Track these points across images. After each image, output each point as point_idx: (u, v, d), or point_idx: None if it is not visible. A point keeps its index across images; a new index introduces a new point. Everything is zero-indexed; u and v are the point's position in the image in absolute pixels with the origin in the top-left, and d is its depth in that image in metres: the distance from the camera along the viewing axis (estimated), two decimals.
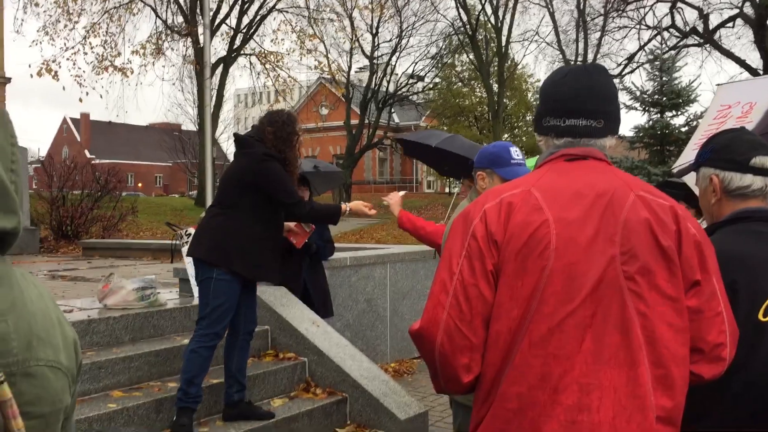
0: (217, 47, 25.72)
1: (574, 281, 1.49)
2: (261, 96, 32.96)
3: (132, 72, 22.46)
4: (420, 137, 5.50)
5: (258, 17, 26.23)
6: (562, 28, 33.44)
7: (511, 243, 1.52)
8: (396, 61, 36.54)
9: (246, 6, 26.06)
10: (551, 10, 32.61)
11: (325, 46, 28.56)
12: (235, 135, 4.19)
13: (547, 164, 1.66)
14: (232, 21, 26.21)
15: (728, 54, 27.12)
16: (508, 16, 32.78)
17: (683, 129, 14.39)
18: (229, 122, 46.01)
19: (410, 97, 38.91)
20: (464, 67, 40.30)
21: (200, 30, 21.26)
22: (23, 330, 0.83)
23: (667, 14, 28.55)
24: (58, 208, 12.89)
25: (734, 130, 2.07)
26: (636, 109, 14.86)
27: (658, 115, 14.64)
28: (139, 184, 66.57)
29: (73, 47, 21.76)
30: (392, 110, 40.68)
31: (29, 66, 29.42)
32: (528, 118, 39.52)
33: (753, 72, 24.98)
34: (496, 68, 34.47)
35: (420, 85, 38.94)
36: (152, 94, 76.03)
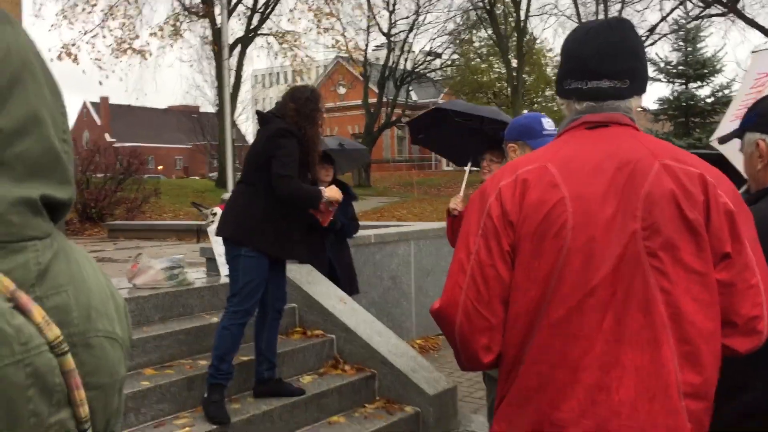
0: (235, 28, 25.69)
1: (592, 260, 1.44)
2: (279, 76, 32.95)
3: (150, 54, 22.51)
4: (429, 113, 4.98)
5: None
6: (582, 0, 32.94)
7: (525, 223, 1.47)
8: (413, 38, 36.29)
9: None
10: None
11: (341, 24, 28.37)
12: (258, 112, 4.21)
13: (567, 133, 1.60)
14: (249, 1, 26.13)
15: (752, 23, 26.51)
16: None
17: (708, 100, 14.16)
18: (247, 103, 46.11)
19: (428, 74, 38.61)
20: (482, 43, 39.81)
21: (217, 10, 21.22)
22: (82, 302, 0.83)
23: None
24: (82, 191, 13.03)
25: None
26: (660, 80, 14.63)
27: (683, 86, 14.41)
28: (160, 167, 67.03)
29: (91, 30, 21.83)
30: (410, 88, 40.36)
31: (49, 50, 29.48)
32: (548, 93, 39.06)
33: None
34: (514, 43, 34.00)
35: (438, 62, 38.59)
36: (171, 77, 76.26)
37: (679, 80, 14.43)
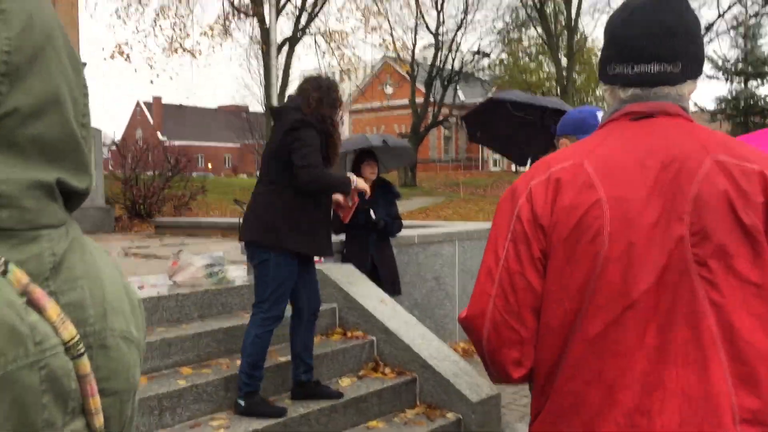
0: (283, 27, 25.91)
1: (633, 270, 1.29)
2: (326, 75, 33.10)
3: (200, 53, 22.81)
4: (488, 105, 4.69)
5: None
6: None
7: (557, 228, 1.33)
8: (461, 37, 36.03)
9: None
10: None
11: (389, 23, 28.41)
12: (271, 107, 4.12)
13: (608, 126, 1.43)
14: (298, 0, 26.26)
15: None
16: None
17: None
18: None
19: (476, 73, 38.26)
20: (531, 42, 39.28)
21: (266, 10, 21.33)
22: (98, 297, 0.77)
23: None
24: (131, 188, 13.21)
25: None
26: (717, 78, 14.13)
27: (742, 85, 13.87)
28: (209, 165, 68.15)
29: (143, 30, 22.21)
30: (457, 87, 40.06)
31: (102, 49, 30.23)
32: (598, 93, 38.30)
33: None
34: (564, 42, 33.43)
35: (486, 61, 38.23)
36: (221, 77, 77.46)
37: (738, 78, 13.90)
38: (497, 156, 50.05)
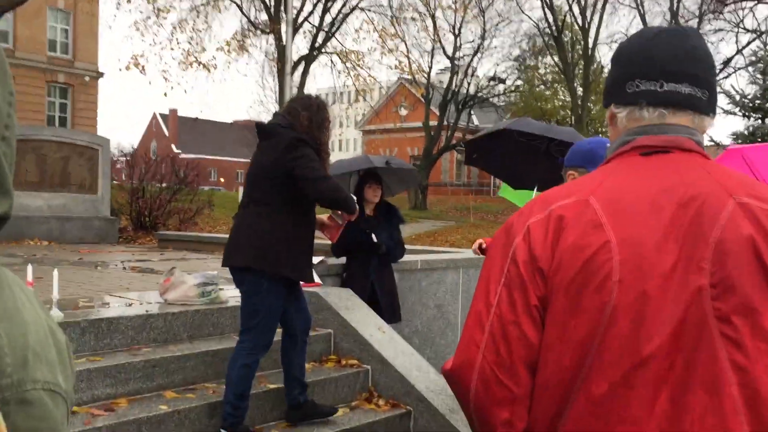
0: (300, 45, 26.02)
1: (645, 323, 1.13)
2: (342, 95, 33.18)
3: (215, 68, 22.89)
4: (487, 131, 4.54)
5: (340, 15, 26.32)
6: None
7: (560, 272, 1.18)
8: (477, 63, 36.09)
9: (329, 4, 26.18)
10: (642, 11, 31.39)
11: (406, 45, 28.39)
12: (259, 124, 3.87)
13: (615, 160, 1.28)
14: (315, 19, 26.40)
15: None
16: (596, 17, 31.80)
17: None
18: None
19: (491, 99, 38.25)
20: (548, 70, 39.32)
21: (283, 27, 21.40)
22: (18, 343, 0.65)
23: None
24: (138, 199, 13.13)
25: None
26: (735, 113, 13.95)
27: (760, 121, 13.68)
28: (221, 179, 68.35)
29: (160, 43, 22.34)
30: (471, 112, 40.04)
31: (119, 60, 30.48)
32: None
33: None
34: (581, 71, 33.42)
35: (501, 87, 38.23)
36: (236, 92, 78.03)
37: (756, 115, 13.71)
38: None
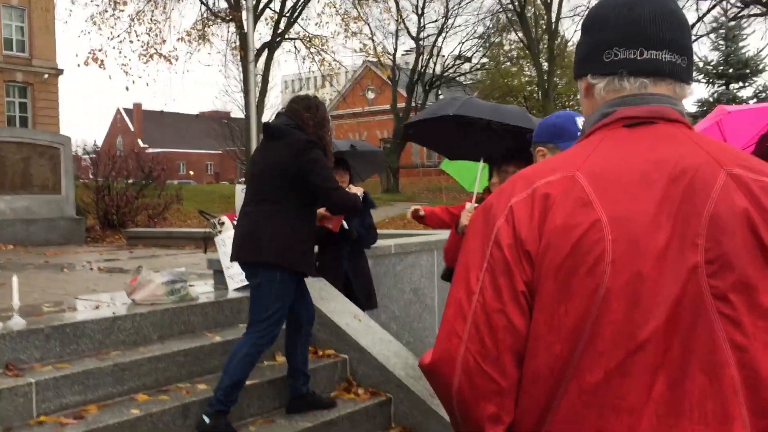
0: (262, 32, 25.64)
1: (640, 305, 1.07)
2: (308, 82, 32.84)
3: (177, 59, 22.47)
4: (431, 112, 4.36)
5: (301, 0, 25.94)
6: None
7: (548, 254, 1.10)
8: (442, 42, 35.99)
9: None
10: None
11: (370, 28, 28.20)
12: (267, 124, 3.95)
13: (598, 132, 1.20)
14: (276, 5, 25.99)
15: None
16: None
17: (751, 101, 13.51)
18: (276, 108, 46.10)
19: (457, 78, 38.19)
20: (512, 46, 39.31)
21: (244, 15, 21.05)
22: None
23: None
24: (104, 197, 12.86)
25: None
26: (699, 81, 14.05)
27: (724, 87, 13.80)
28: (191, 172, 67.56)
29: (118, 36, 21.85)
30: (439, 92, 39.95)
31: (76, 55, 29.78)
32: (579, 97, 38.28)
33: None
34: (545, 46, 33.45)
35: (467, 65, 38.17)
36: (201, 82, 77.03)
37: (720, 81, 13.83)
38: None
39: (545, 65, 33.04)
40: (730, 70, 13.45)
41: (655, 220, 1.08)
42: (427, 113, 4.40)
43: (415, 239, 6.92)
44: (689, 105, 14.81)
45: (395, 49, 34.84)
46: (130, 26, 22.09)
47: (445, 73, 36.68)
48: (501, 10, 34.16)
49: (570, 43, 37.84)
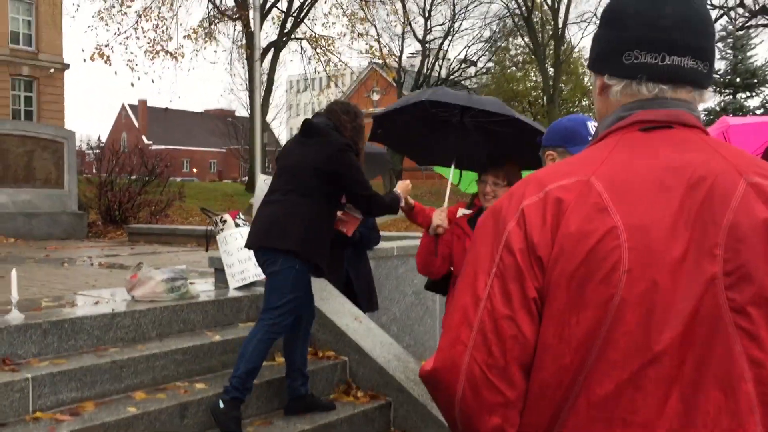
0: (268, 31, 25.60)
1: (654, 316, 1.03)
2: (313, 82, 32.83)
3: (183, 57, 22.47)
4: (401, 102, 3.91)
5: (309, 0, 25.94)
6: None
7: (561, 261, 1.06)
8: (448, 45, 35.94)
9: None
10: None
11: (376, 29, 28.18)
12: (307, 121, 3.98)
13: (612, 137, 1.15)
14: (283, 4, 26.01)
15: None
16: None
17: (758, 111, 13.47)
18: (281, 107, 46.14)
19: (462, 81, 38.15)
20: (518, 51, 39.29)
21: (251, 14, 21.04)
22: None
23: None
24: (107, 192, 12.84)
25: None
26: None
27: (731, 97, 13.74)
28: (194, 170, 67.64)
29: (125, 32, 21.86)
30: None
31: (82, 51, 29.78)
32: (584, 102, 38.26)
33: None
34: (551, 51, 33.42)
35: (472, 69, 38.14)
36: (206, 81, 77.11)
37: (727, 90, 13.77)
38: None
39: (551, 71, 33.02)
40: (738, 80, 13.40)
41: (673, 229, 1.04)
42: (396, 104, 3.99)
43: (418, 242, 6.87)
44: None
45: (401, 52, 34.85)
46: (136, 22, 22.11)
47: (451, 77, 36.62)
48: (508, 14, 34.19)
49: (576, 50, 37.86)
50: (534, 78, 38.69)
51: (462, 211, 4.49)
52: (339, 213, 4.35)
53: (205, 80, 76.62)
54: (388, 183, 33.38)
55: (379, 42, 28.12)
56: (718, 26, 22.25)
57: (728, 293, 1.02)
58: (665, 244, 1.03)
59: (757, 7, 26.52)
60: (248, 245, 3.91)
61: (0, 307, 4.00)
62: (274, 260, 3.75)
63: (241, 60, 28.16)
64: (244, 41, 23.64)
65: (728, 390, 1.02)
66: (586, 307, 1.04)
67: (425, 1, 32.78)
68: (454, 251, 3.36)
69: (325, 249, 3.85)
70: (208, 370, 4.16)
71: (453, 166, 3.59)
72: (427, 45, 34.91)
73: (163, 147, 46.98)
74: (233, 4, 24.08)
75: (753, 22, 26.68)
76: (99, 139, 23.07)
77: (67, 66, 30.10)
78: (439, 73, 35.77)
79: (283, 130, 56.22)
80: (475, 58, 37.48)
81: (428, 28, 34.64)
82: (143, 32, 22.12)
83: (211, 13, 24.18)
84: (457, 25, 34.56)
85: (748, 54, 13.64)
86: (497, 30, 36.22)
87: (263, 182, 5.97)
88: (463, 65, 37.37)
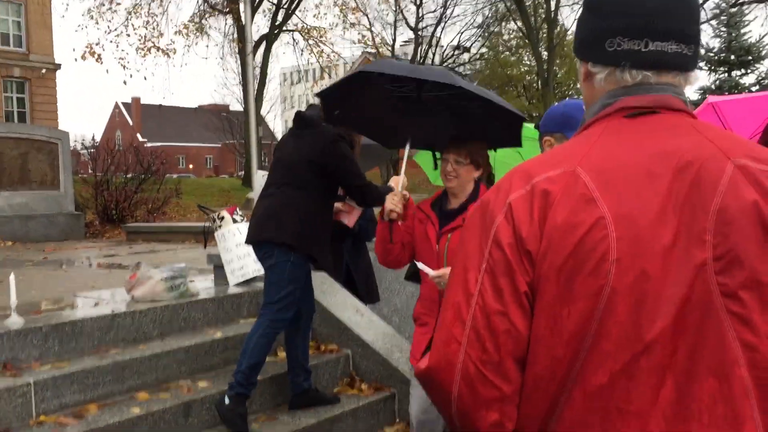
0: (260, 24, 25.49)
1: (646, 305, 1.03)
2: (306, 74, 32.68)
3: (175, 52, 22.38)
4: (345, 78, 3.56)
5: None
6: None
7: (549, 255, 1.06)
8: (441, 32, 35.79)
9: None
10: None
11: (368, 19, 28.07)
12: (299, 113, 3.96)
13: (598, 124, 1.15)
14: None
15: None
16: None
17: (753, 89, 13.42)
18: (275, 100, 46.00)
19: (457, 68, 38.02)
20: (512, 36, 39.13)
21: (241, 7, 20.93)
22: None
23: None
24: (103, 192, 12.80)
25: None
26: (701, 68, 13.93)
27: (726, 74, 13.69)
28: (190, 166, 67.52)
29: (115, 30, 21.75)
30: None
31: (73, 50, 29.63)
32: (579, 85, 38.14)
33: None
34: (545, 35, 33.28)
35: (466, 55, 38.00)
36: (199, 75, 76.92)
37: (722, 68, 13.73)
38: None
39: (545, 54, 32.89)
40: (732, 57, 13.36)
41: (661, 216, 1.03)
42: (338, 80, 3.60)
43: None
44: (691, 93, 14.71)
45: (394, 40, 34.71)
46: (127, 20, 22.01)
47: (444, 64, 36.47)
48: None
49: (569, 32, 37.69)
50: (528, 62, 38.57)
51: (397, 191, 4.44)
52: (340, 204, 4.34)
53: (197, 76, 76.33)
54: (386, 173, 33.35)
55: (371, 31, 28.09)
56: (711, 4, 22.19)
57: (719, 278, 1.02)
58: (654, 231, 1.03)
59: None
60: (247, 240, 3.90)
61: None
62: (270, 254, 3.75)
63: (233, 54, 28.03)
64: (235, 35, 23.54)
65: (722, 376, 1.02)
66: (577, 299, 1.04)
67: None
68: (416, 237, 3.15)
69: (322, 241, 3.83)
70: (211, 367, 4.15)
71: (408, 146, 3.26)
72: (419, 32, 34.76)
73: (158, 144, 46.88)
74: None
75: None
76: (93, 139, 22.98)
77: (58, 66, 29.96)
78: (433, 60, 35.63)
79: (278, 123, 56.15)
80: (468, 44, 37.33)
81: (420, 15, 34.49)
82: (134, 29, 22.03)
83: (202, 7, 24.07)
84: (449, 11, 34.39)
85: (742, 31, 13.59)
86: (490, 15, 36.08)
87: (261, 177, 5.95)
88: (457, 52, 37.21)
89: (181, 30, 23.12)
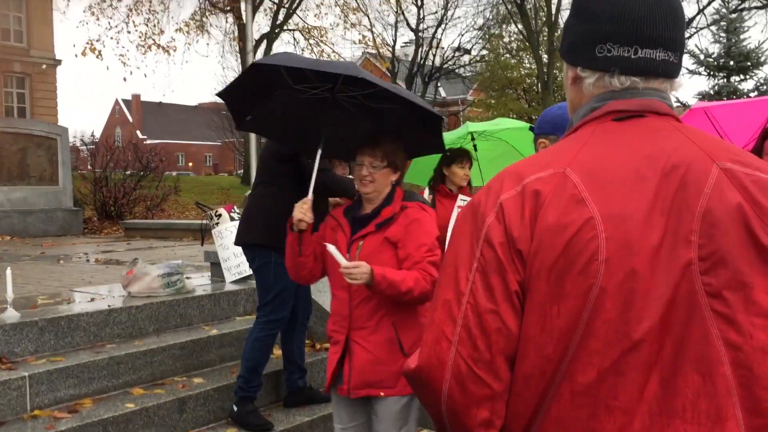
0: (260, 23, 25.50)
1: (633, 304, 1.05)
2: None
3: (175, 50, 22.36)
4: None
5: None
6: None
7: (540, 254, 1.08)
8: (442, 34, 35.84)
9: None
10: None
11: (369, 19, 28.07)
12: None
13: (586, 127, 1.17)
14: None
15: None
16: None
17: (752, 94, 13.46)
18: None
19: (457, 70, 38.05)
20: (512, 38, 39.12)
21: (243, 5, 20.93)
22: None
23: None
24: (102, 188, 12.81)
25: None
26: (700, 73, 13.97)
27: (725, 80, 13.72)
28: (190, 164, 67.46)
29: (116, 26, 21.74)
30: (438, 84, 39.82)
31: (74, 46, 29.58)
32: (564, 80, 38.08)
33: None
34: (545, 38, 33.30)
35: (466, 57, 38.03)
36: (199, 74, 76.89)
37: (721, 73, 13.74)
38: None
39: (545, 57, 32.90)
40: (731, 63, 13.38)
41: (649, 217, 1.05)
42: (237, 80, 3.12)
43: None
44: (690, 98, 14.76)
45: (394, 41, 34.72)
46: (127, 16, 21.98)
47: (445, 65, 36.54)
48: (501, 1, 34.02)
49: None
50: (528, 65, 38.56)
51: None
52: (337, 200, 4.30)
53: (198, 73, 76.34)
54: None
55: (372, 32, 28.08)
56: (711, 9, 22.22)
57: (704, 278, 1.04)
58: (642, 232, 1.05)
59: None
60: (235, 243, 3.92)
61: None
62: (252, 257, 3.77)
63: (233, 52, 28.04)
64: (236, 33, 23.54)
65: (705, 373, 1.04)
66: (567, 298, 1.06)
67: None
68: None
69: None
70: (206, 364, 4.17)
71: (320, 150, 2.92)
72: (420, 34, 34.78)
73: (157, 141, 46.85)
74: None
75: (746, 4, 26.59)
76: (93, 135, 22.96)
77: (59, 62, 29.93)
78: (433, 61, 35.66)
79: None
80: (468, 46, 37.38)
81: (421, 16, 34.50)
82: (135, 26, 22.00)
83: (203, 5, 24.06)
84: (450, 13, 34.48)
85: (742, 37, 13.62)
86: (491, 17, 36.11)
87: None
88: (457, 53, 37.24)
89: (181, 27, 23.12)
